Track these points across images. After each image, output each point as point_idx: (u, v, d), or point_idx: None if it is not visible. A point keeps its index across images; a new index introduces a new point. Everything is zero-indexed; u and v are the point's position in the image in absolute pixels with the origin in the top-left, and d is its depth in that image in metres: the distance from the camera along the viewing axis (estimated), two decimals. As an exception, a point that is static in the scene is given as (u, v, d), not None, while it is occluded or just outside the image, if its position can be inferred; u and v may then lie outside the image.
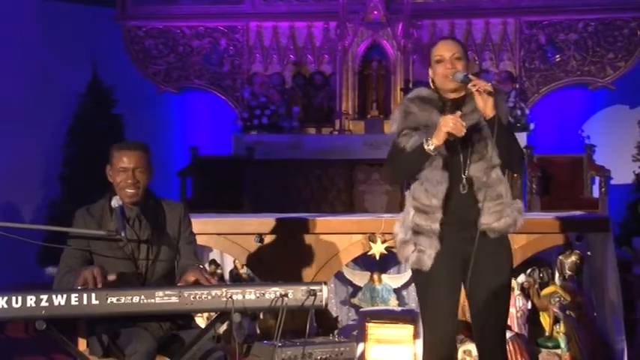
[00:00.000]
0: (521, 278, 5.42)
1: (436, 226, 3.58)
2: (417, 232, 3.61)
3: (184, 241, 3.93)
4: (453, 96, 3.63)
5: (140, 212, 3.79)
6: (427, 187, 3.59)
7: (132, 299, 3.35)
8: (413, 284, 5.76)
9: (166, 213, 3.91)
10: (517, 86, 9.39)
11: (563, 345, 5.24)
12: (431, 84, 3.71)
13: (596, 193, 8.85)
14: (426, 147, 3.49)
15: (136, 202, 3.76)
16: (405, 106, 3.71)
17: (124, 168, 3.75)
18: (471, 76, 3.54)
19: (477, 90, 3.49)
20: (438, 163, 3.59)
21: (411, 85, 8.89)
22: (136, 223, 3.77)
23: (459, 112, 3.51)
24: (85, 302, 3.30)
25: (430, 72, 3.71)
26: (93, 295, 3.33)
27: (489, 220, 3.57)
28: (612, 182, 8.79)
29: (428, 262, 3.59)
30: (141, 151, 3.81)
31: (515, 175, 7.61)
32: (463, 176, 3.59)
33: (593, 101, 9.94)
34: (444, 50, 3.66)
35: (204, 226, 5.18)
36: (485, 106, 3.49)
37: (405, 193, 3.75)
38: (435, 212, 3.59)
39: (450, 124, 3.43)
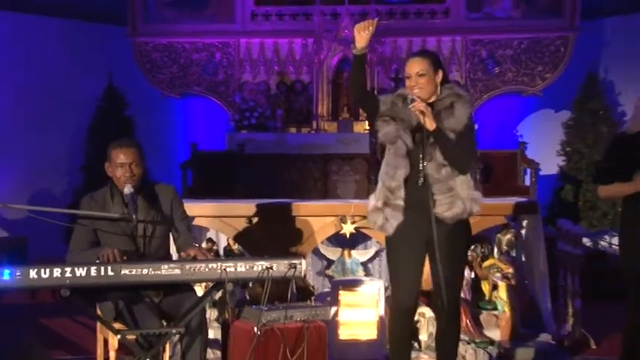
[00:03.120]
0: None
1: (399, 202, 3.60)
2: (386, 203, 3.64)
3: (178, 219, 3.90)
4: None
5: (137, 196, 3.76)
6: (387, 170, 3.62)
7: (142, 271, 3.35)
8: (377, 258, 5.80)
9: (159, 195, 3.88)
10: (463, 93, 9.42)
11: (500, 307, 5.27)
12: None
13: (527, 182, 8.91)
14: (353, 51, 3.60)
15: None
16: (394, 97, 3.70)
17: (122, 163, 3.71)
18: (415, 98, 3.54)
19: (415, 110, 3.51)
20: (402, 151, 3.59)
21: (375, 92, 8.89)
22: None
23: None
24: (102, 273, 3.30)
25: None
26: (109, 267, 3.32)
27: (440, 210, 3.57)
28: (541, 173, 8.83)
29: (390, 229, 3.64)
30: (134, 147, 3.76)
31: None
32: (421, 172, 3.60)
33: (526, 106, 10.01)
34: (409, 68, 3.65)
35: (202, 210, 5.16)
36: (424, 122, 3.51)
37: (380, 174, 3.76)
38: (395, 192, 3.60)
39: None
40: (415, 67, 3.62)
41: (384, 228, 3.65)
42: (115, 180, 3.76)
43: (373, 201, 3.71)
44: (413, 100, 3.53)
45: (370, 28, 3.52)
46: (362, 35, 3.53)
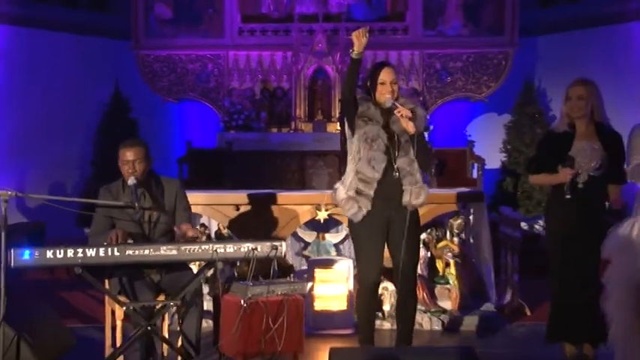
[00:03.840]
0: (424, 235, 5.47)
1: (371, 192, 3.60)
2: (359, 193, 3.61)
3: (181, 209, 3.88)
4: (385, 106, 3.63)
5: (143, 187, 3.75)
6: (374, 164, 3.59)
7: (143, 251, 3.34)
8: (348, 240, 5.80)
9: (164, 187, 3.85)
10: (421, 99, 9.43)
11: (451, 282, 5.31)
12: (372, 95, 3.67)
13: (475, 175, 8.96)
14: (352, 56, 3.51)
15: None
16: (364, 101, 3.69)
17: (126, 161, 3.70)
18: (396, 104, 3.55)
19: (401, 116, 3.51)
20: (382, 148, 3.59)
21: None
22: (140, 196, 3.72)
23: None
24: (109, 254, 3.28)
25: (373, 86, 3.66)
26: (115, 248, 3.30)
27: (409, 198, 3.61)
28: (486, 167, 8.90)
29: (360, 216, 3.63)
30: (138, 146, 3.73)
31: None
32: (395, 166, 3.61)
33: (473, 110, 10.06)
34: (386, 76, 3.64)
35: (196, 199, 5.11)
36: (407, 127, 3.52)
37: (348, 168, 3.73)
38: (372, 182, 3.60)
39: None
40: (391, 75, 3.66)
41: (357, 216, 3.65)
42: (123, 174, 3.74)
43: (343, 191, 3.69)
44: (395, 107, 3.53)
45: (366, 35, 3.49)
46: (360, 41, 3.49)
